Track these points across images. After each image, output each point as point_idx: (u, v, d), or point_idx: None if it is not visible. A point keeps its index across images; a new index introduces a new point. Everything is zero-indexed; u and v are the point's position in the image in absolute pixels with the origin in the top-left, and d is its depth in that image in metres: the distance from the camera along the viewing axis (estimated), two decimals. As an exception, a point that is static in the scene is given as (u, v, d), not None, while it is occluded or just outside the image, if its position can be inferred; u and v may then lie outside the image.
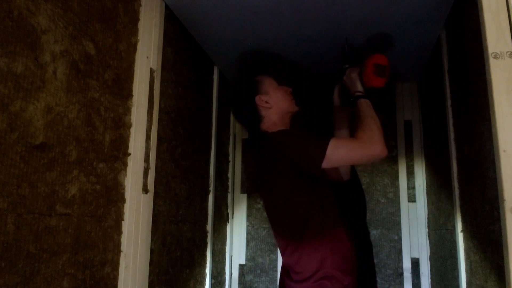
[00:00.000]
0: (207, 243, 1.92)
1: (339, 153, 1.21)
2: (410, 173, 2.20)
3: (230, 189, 2.29)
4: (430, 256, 2.08)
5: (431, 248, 2.06)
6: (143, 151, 1.31)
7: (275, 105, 1.45)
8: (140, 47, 1.31)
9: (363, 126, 1.26)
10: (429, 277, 2.08)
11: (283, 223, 1.36)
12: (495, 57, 0.99)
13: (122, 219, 1.20)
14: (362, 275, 1.34)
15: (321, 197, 1.33)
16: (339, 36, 1.71)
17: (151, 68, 1.37)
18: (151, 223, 1.34)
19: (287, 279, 1.34)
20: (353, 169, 1.83)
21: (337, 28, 1.64)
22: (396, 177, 2.21)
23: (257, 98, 1.45)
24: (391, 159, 2.23)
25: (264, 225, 2.30)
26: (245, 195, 2.35)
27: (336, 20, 1.57)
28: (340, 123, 1.64)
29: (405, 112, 2.27)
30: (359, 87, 1.45)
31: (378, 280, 2.13)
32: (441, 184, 1.76)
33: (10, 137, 0.80)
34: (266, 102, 1.45)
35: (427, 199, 2.11)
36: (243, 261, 2.29)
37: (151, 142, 1.35)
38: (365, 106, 1.36)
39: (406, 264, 2.11)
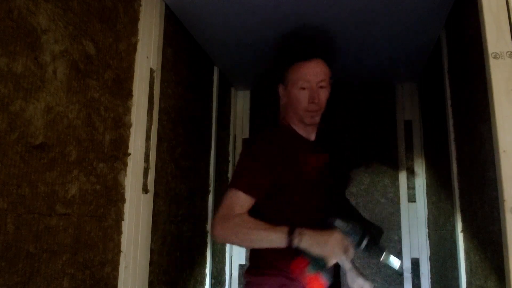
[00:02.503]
0: (207, 243, 1.92)
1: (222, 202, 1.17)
2: (410, 173, 2.20)
3: (230, 189, 2.28)
4: (430, 256, 2.08)
5: (431, 248, 2.06)
6: (143, 151, 1.31)
7: (288, 101, 1.35)
8: (140, 47, 1.31)
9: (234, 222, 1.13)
10: (429, 277, 2.08)
11: None
12: (495, 57, 0.99)
13: (122, 219, 1.20)
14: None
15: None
16: (339, 36, 1.71)
17: (151, 68, 1.37)
18: (151, 223, 1.34)
19: None
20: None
21: (338, 28, 1.64)
22: (396, 177, 2.21)
23: (280, 86, 1.38)
24: (391, 159, 2.23)
25: (264, 225, 2.30)
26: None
27: (337, 20, 1.57)
28: None
29: (405, 112, 2.27)
30: None
31: (378, 280, 2.14)
32: (441, 184, 1.76)
33: (10, 137, 0.80)
34: (283, 95, 1.37)
35: (427, 199, 2.11)
36: (243, 261, 2.29)
37: (151, 142, 1.35)
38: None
39: (406, 264, 2.11)
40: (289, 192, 1.23)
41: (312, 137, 1.37)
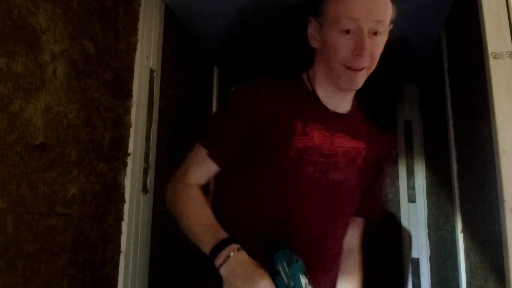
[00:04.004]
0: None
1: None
2: (410, 173, 2.20)
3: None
4: (430, 257, 2.08)
5: (431, 248, 2.06)
6: (143, 151, 1.31)
7: (321, 48, 0.91)
8: (140, 47, 1.31)
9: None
10: (429, 277, 2.07)
11: None
12: (495, 57, 0.99)
13: (122, 219, 1.20)
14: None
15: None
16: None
17: (151, 68, 1.37)
18: (151, 223, 1.34)
19: None
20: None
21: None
22: (396, 177, 2.21)
23: (311, 20, 0.93)
24: (391, 159, 2.23)
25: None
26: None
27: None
28: None
29: (405, 112, 2.27)
30: None
31: (378, 280, 2.13)
32: (441, 184, 1.76)
33: (10, 137, 0.80)
34: (313, 36, 0.92)
35: (427, 199, 2.11)
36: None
37: (151, 142, 1.35)
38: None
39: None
40: (270, 177, 0.86)
41: (343, 108, 0.94)
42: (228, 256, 0.75)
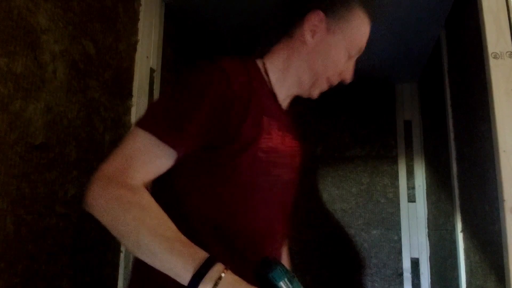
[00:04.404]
0: (207, 243, 1.92)
1: None
2: (410, 173, 2.20)
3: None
4: (430, 256, 2.08)
5: (431, 248, 2.06)
6: (143, 151, 1.31)
7: (316, 50, 0.86)
8: (140, 47, 1.31)
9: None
10: (429, 277, 2.08)
11: None
12: (495, 57, 0.99)
13: (122, 219, 1.20)
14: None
15: None
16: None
17: (151, 68, 1.37)
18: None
19: None
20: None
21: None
22: (396, 177, 2.21)
23: (316, 13, 0.85)
24: (391, 159, 2.23)
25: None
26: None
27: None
28: None
29: (405, 112, 2.27)
30: None
31: (378, 280, 2.14)
32: (441, 184, 1.76)
33: (10, 137, 0.80)
34: (314, 35, 0.85)
35: (427, 199, 2.11)
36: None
37: (151, 142, 1.35)
38: None
39: (406, 264, 2.11)
40: (236, 168, 0.73)
41: (285, 105, 0.89)
42: (219, 278, 0.59)
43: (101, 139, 1.11)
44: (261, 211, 0.78)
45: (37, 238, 0.87)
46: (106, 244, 1.13)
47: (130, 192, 0.64)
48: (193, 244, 0.62)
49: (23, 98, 0.84)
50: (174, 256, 0.60)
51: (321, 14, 0.83)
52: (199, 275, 0.58)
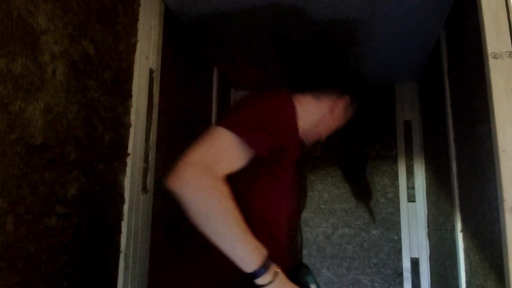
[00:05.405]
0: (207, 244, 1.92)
1: None
2: (410, 173, 2.20)
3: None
4: (429, 256, 2.08)
5: (430, 248, 2.06)
6: (143, 151, 1.31)
7: (331, 116, 1.15)
8: (139, 47, 1.31)
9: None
10: (429, 277, 2.08)
11: None
12: (495, 57, 0.99)
13: (122, 219, 1.20)
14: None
15: None
16: (340, 36, 1.71)
17: (150, 69, 1.37)
18: (150, 223, 1.34)
19: None
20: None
21: (338, 28, 1.64)
22: (395, 177, 2.21)
23: (345, 98, 1.17)
24: (391, 159, 2.23)
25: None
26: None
27: (337, 20, 1.57)
28: None
29: (405, 112, 2.27)
30: None
31: (378, 280, 2.14)
32: (441, 184, 1.76)
33: (10, 137, 0.80)
34: (336, 106, 1.15)
35: (426, 199, 2.11)
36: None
37: (150, 142, 1.35)
38: None
39: (406, 264, 2.11)
40: (281, 171, 0.92)
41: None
42: (275, 274, 0.74)
43: (100, 139, 1.11)
44: (288, 205, 0.97)
45: (37, 238, 0.87)
46: (106, 244, 1.13)
47: (220, 184, 0.75)
48: (255, 238, 0.75)
49: (23, 98, 0.84)
50: (245, 245, 0.73)
51: (349, 100, 1.14)
52: (264, 267, 0.73)
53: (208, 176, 0.74)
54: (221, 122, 0.81)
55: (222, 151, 0.78)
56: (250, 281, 0.73)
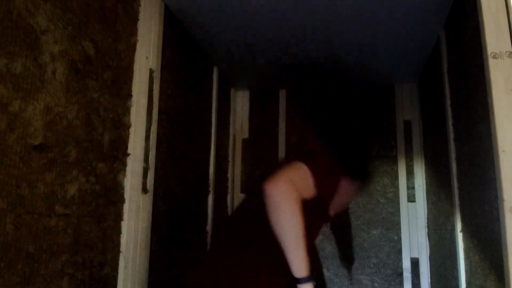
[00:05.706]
0: (207, 244, 1.92)
1: None
2: (410, 173, 2.20)
3: (229, 189, 2.29)
4: (429, 256, 2.08)
5: (430, 248, 2.06)
6: (143, 151, 1.31)
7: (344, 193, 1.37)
8: (139, 47, 1.31)
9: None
10: (429, 277, 2.08)
11: None
12: (494, 57, 0.99)
13: (122, 219, 1.20)
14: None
15: None
16: (339, 36, 1.71)
17: (150, 69, 1.37)
18: (150, 223, 1.34)
19: None
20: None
21: (338, 28, 1.64)
22: (395, 177, 2.21)
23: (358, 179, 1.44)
24: (391, 159, 2.23)
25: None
26: (244, 196, 2.35)
27: (337, 20, 1.57)
28: None
29: (404, 112, 2.27)
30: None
31: (378, 280, 2.14)
32: (441, 184, 1.76)
33: (10, 137, 0.80)
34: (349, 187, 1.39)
35: (426, 199, 2.11)
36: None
37: (150, 142, 1.35)
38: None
39: (406, 264, 2.11)
40: (319, 213, 1.21)
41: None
42: (314, 285, 1.01)
43: (100, 139, 1.11)
44: (314, 237, 1.32)
45: (37, 238, 0.87)
46: (106, 244, 1.13)
47: (299, 201, 1.00)
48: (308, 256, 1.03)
49: (23, 98, 0.84)
50: (302, 256, 1.00)
51: (359, 181, 1.39)
52: (309, 278, 1.00)
53: (296, 194, 1.00)
54: (304, 160, 1.08)
55: (305, 180, 1.05)
56: (293, 284, 1.00)
